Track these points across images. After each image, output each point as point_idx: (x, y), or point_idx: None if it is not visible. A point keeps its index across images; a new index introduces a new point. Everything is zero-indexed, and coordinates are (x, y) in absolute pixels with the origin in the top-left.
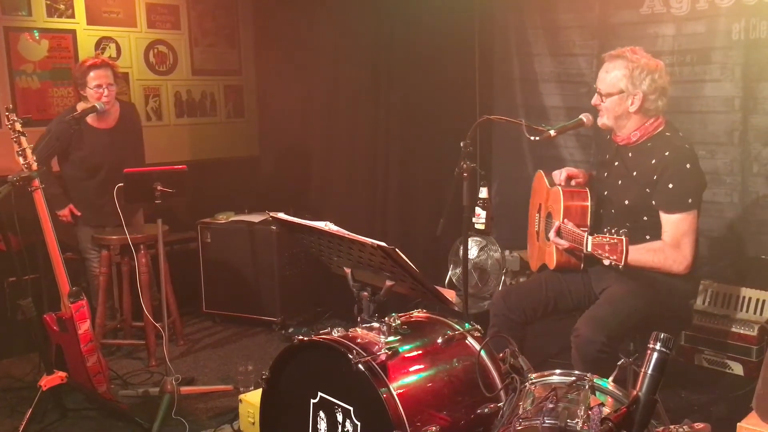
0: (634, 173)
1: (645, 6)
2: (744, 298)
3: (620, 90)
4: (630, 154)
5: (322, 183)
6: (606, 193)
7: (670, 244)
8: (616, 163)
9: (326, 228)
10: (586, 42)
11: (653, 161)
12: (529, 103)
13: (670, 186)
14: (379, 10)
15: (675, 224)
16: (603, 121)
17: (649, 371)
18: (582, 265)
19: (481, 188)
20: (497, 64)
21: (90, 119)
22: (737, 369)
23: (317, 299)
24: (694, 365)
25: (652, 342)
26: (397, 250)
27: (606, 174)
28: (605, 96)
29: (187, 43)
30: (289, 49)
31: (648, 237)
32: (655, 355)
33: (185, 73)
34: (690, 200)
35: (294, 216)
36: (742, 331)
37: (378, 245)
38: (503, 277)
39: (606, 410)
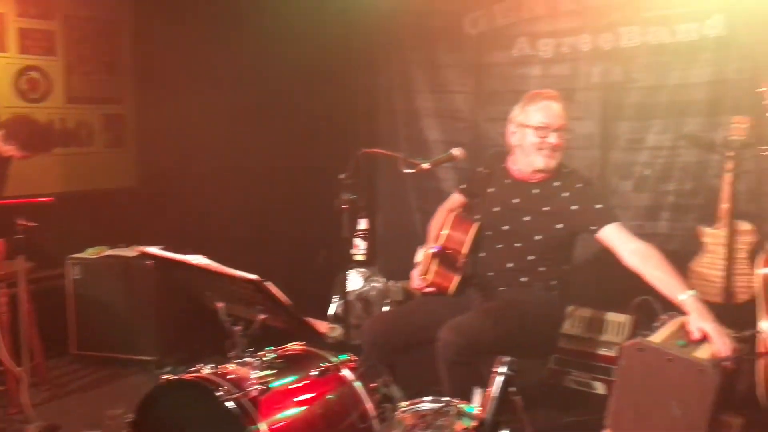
0: (545, 209)
1: (515, 48)
2: (607, 321)
3: (568, 126)
4: (536, 191)
5: (204, 215)
6: (508, 228)
7: (642, 242)
8: (516, 200)
9: (195, 262)
10: (462, 80)
11: (566, 194)
12: (412, 137)
13: (599, 206)
14: (263, 43)
15: (623, 228)
16: (555, 162)
17: (494, 394)
18: (451, 289)
19: (361, 220)
20: (381, 99)
21: None
22: (601, 388)
23: (199, 336)
24: (564, 386)
25: (496, 366)
26: (266, 282)
27: (499, 209)
28: (565, 130)
29: (63, 69)
30: (171, 79)
31: (543, 269)
32: (499, 378)
33: (60, 101)
34: (614, 211)
35: (174, 250)
36: (604, 353)
37: (247, 278)
38: (387, 308)
39: None
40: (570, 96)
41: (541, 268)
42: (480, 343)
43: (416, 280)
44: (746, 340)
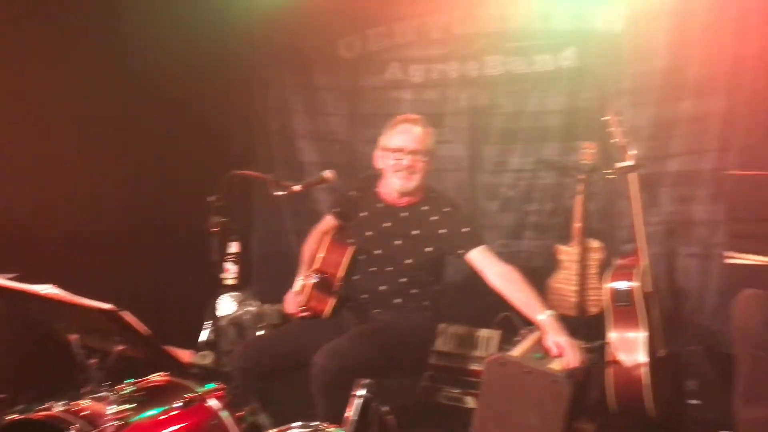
0: (414, 232)
1: (388, 73)
2: (478, 337)
3: (431, 149)
4: (405, 214)
5: (60, 240)
6: (381, 252)
7: (506, 265)
8: (387, 224)
9: (43, 292)
10: (338, 103)
11: (434, 218)
12: (287, 158)
13: (465, 229)
14: (128, 58)
15: (489, 251)
16: (413, 183)
17: (353, 417)
18: (326, 313)
19: (231, 243)
20: (257, 120)
21: None
22: (472, 403)
23: (54, 371)
24: (437, 403)
25: (355, 389)
26: (122, 311)
27: (372, 233)
28: (422, 153)
29: None
30: (19, 91)
31: (415, 291)
32: (358, 401)
33: None
34: (481, 234)
35: (26, 279)
36: (475, 367)
37: (100, 308)
38: (262, 332)
39: None
40: (440, 120)
41: (414, 290)
42: (354, 366)
43: (291, 305)
44: (596, 351)
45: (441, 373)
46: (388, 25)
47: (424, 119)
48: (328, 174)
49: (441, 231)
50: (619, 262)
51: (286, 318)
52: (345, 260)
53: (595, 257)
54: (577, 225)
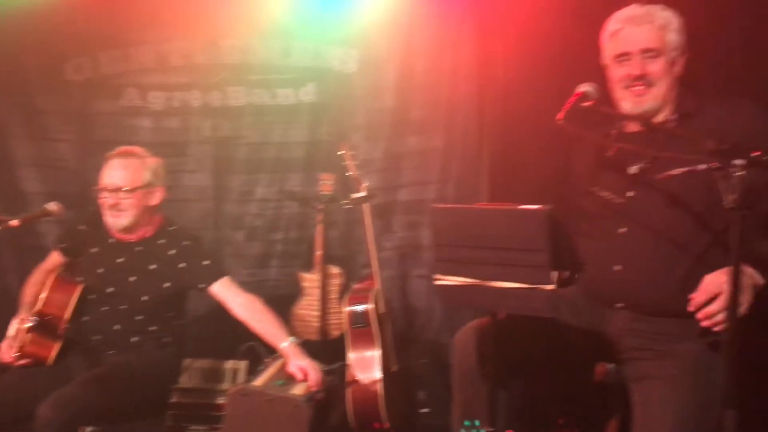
0: (151, 267)
1: (124, 98)
2: (225, 369)
3: (146, 183)
4: (139, 249)
5: None
6: (114, 289)
7: (248, 295)
8: (121, 260)
9: None
10: (66, 127)
11: (172, 252)
12: (6, 188)
13: (206, 262)
14: None
15: (231, 282)
16: (124, 221)
17: None
18: (51, 359)
19: None
20: None
21: None
22: None
23: None
24: None
25: None
26: None
27: (103, 270)
28: (130, 190)
29: None
30: None
31: (154, 328)
32: None
33: None
34: (222, 266)
35: None
36: (223, 401)
37: None
38: None
39: None
40: (183, 149)
41: (152, 327)
42: (86, 415)
43: (5, 353)
44: (337, 372)
45: (186, 411)
46: (124, 48)
47: (144, 150)
48: (52, 206)
49: (180, 265)
50: (356, 286)
51: (4, 368)
52: (72, 300)
53: (335, 282)
54: (318, 253)
